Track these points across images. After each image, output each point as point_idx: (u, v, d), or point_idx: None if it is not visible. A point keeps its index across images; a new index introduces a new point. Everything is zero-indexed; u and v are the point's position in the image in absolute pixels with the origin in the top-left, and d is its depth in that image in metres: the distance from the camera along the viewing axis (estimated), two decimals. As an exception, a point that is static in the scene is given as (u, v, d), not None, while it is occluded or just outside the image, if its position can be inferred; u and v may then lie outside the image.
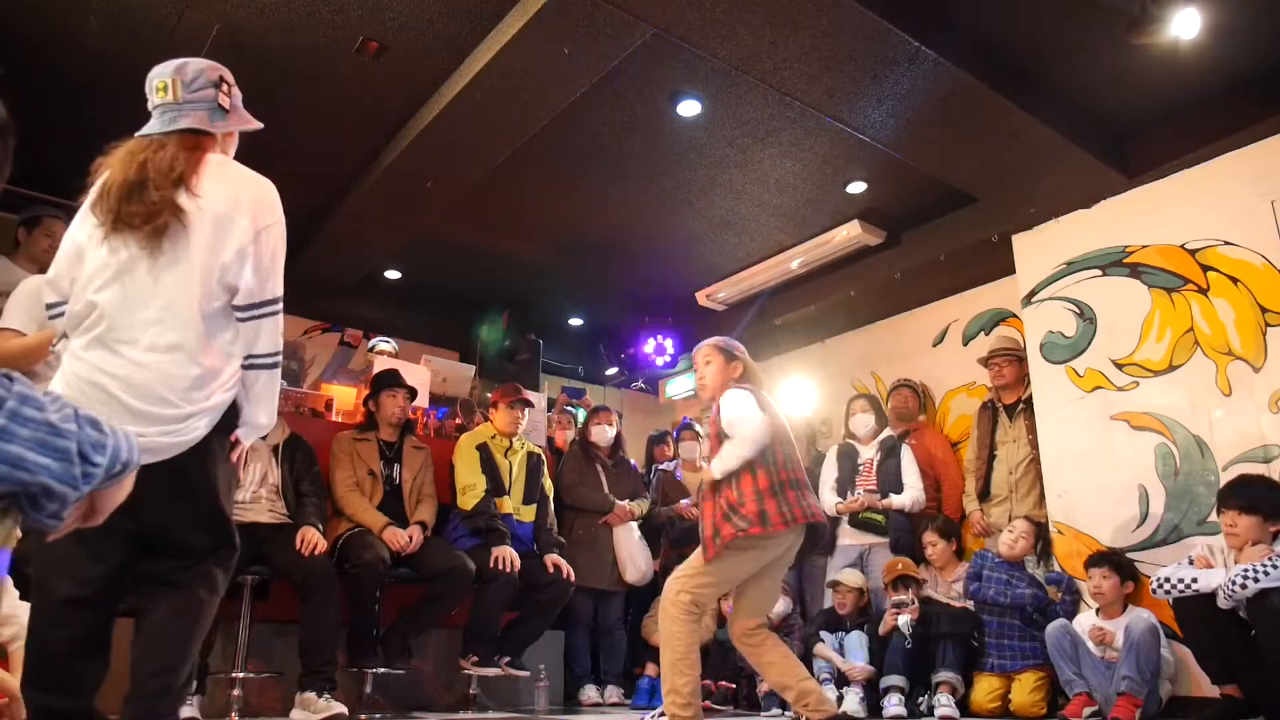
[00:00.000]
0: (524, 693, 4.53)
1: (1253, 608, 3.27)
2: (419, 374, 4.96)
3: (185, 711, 3.21)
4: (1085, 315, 4.63)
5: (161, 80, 2.06)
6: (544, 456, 4.73)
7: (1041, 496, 4.67)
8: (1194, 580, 3.43)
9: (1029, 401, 4.81)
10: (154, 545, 1.93)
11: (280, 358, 2.04)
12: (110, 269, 1.94)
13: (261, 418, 2.05)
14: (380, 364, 4.88)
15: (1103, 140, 4.48)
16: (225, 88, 2.11)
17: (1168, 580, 3.50)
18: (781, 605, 4.63)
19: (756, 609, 3.15)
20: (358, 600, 3.84)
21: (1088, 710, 3.78)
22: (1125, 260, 4.52)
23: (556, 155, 4.80)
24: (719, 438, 3.09)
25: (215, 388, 1.92)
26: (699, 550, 3.03)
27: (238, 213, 1.96)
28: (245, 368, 2.00)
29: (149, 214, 1.90)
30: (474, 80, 3.87)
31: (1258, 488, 3.52)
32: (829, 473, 5.03)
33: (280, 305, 2.01)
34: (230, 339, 1.98)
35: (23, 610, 2.31)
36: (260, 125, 2.19)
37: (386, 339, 5.70)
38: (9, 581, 2.27)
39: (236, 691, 3.65)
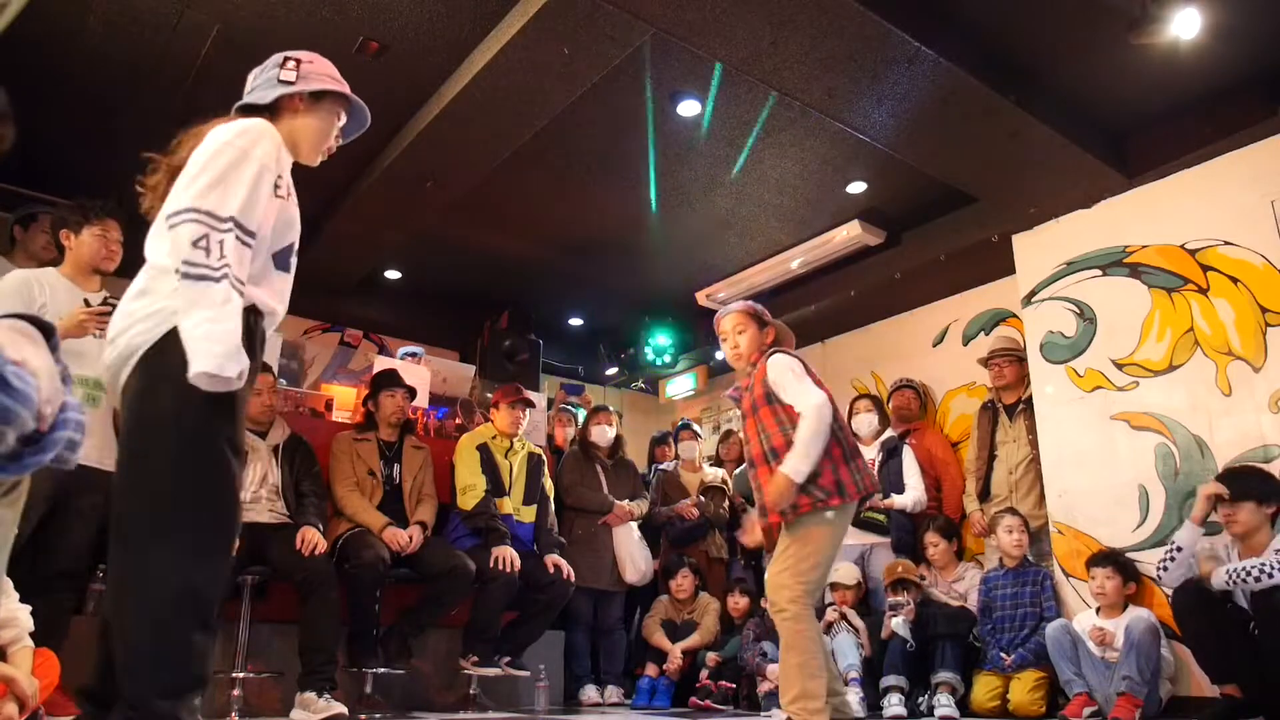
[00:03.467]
0: (524, 693, 4.52)
1: (1258, 605, 3.28)
2: (419, 374, 4.97)
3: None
4: (1085, 315, 4.63)
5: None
6: (544, 457, 4.73)
7: (1041, 496, 4.66)
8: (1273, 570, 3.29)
9: (1029, 401, 4.81)
10: None
11: (198, 269, 1.73)
12: None
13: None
14: (380, 365, 4.88)
15: (1103, 140, 4.48)
16: (291, 64, 2.04)
17: (1244, 571, 3.32)
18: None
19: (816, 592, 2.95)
20: (358, 600, 3.84)
21: (1087, 710, 3.78)
22: (1125, 260, 4.52)
23: (557, 155, 4.80)
24: (767, 401, 2.93)
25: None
26: (783, 540, 2.85)
27: (197, 148, 1.87)
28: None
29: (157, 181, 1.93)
30: (474, 80, 3.87)
31: (1245, 476, 3.61)
32: (830, 472, 5.02)
33: (193, 215, 1.76)
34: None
35: (22, 612, 2.31)
36: (340, 89, 2.09)
37: (414, 350, 5.59)
38: (9, 584, 2.27)
39: (236, 691, 3.66)
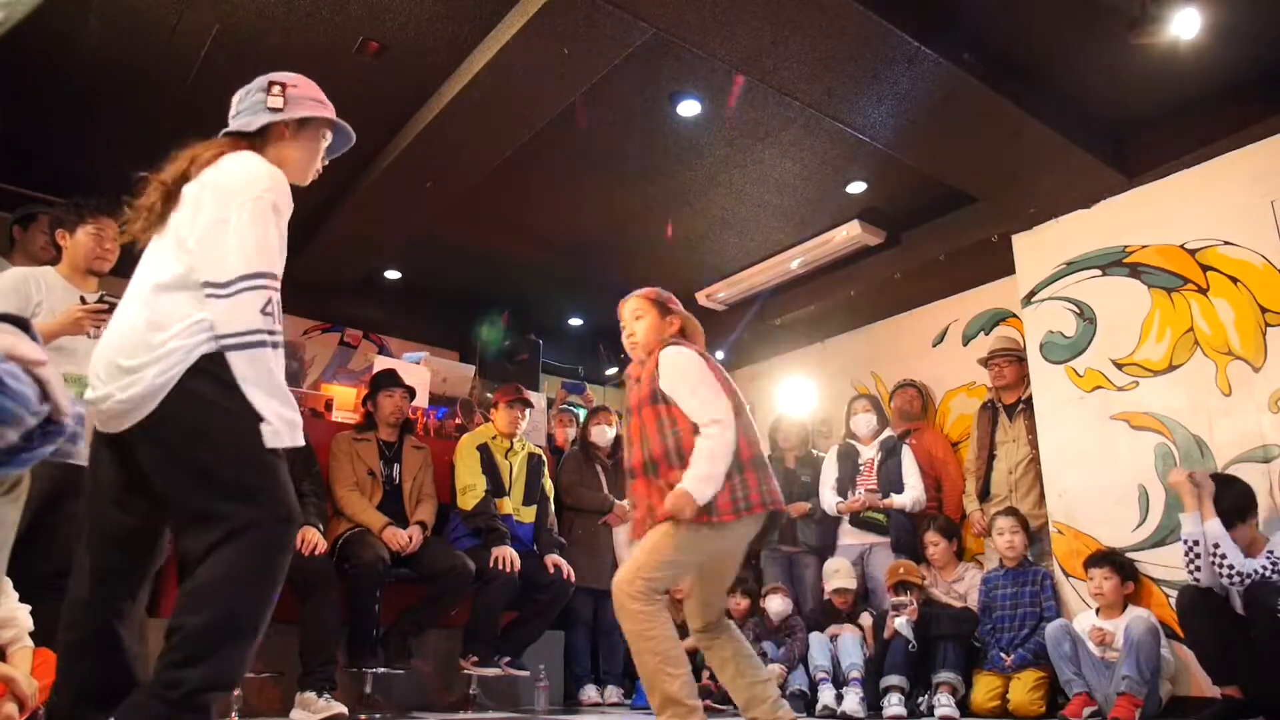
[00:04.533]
0: (524, 693, 4.51)
1: (1251, 605, 3.28)
2: (419, 374, 4.96)
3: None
4: (1085, 315, 4.63)
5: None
6: (544, 457, 4.73)
7: (1041, 496, 4.66)
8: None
9: (1029, 401, 4.81)
10: None
11: (257, 336, 1.80)
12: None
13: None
14: (380, 365, 4.88)
15: (1102, 140, 4.47)
16: (277, 89, 2.05)
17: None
18: (780, 605, 4.63)
19: (709, 608, 2.78)
20: (358, 600, 3.84)
21: (1087, 710, 3.79)
22: (1125, 260, 4.51)
23: (556, 155, 4.79)
24: (652, 400, 2.67)
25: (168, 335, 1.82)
26: (648, 537, 2.60)
27: (208, 190, 1.89)
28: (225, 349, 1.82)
29: (153, 203, 1.94)
30: (474, 80, 3.86)
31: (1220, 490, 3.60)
32: (829, 472, 5.04)
33: (256, 283, 1.82)
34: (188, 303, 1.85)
35: (21, 612, 2.30)
36: (336, 119, 2.12)
37: (418, 356, 5.54)
38: (8, 583, 2.27)
39: (236, 691, 3.62)
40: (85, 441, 1.30)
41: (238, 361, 1.77)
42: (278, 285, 1.85)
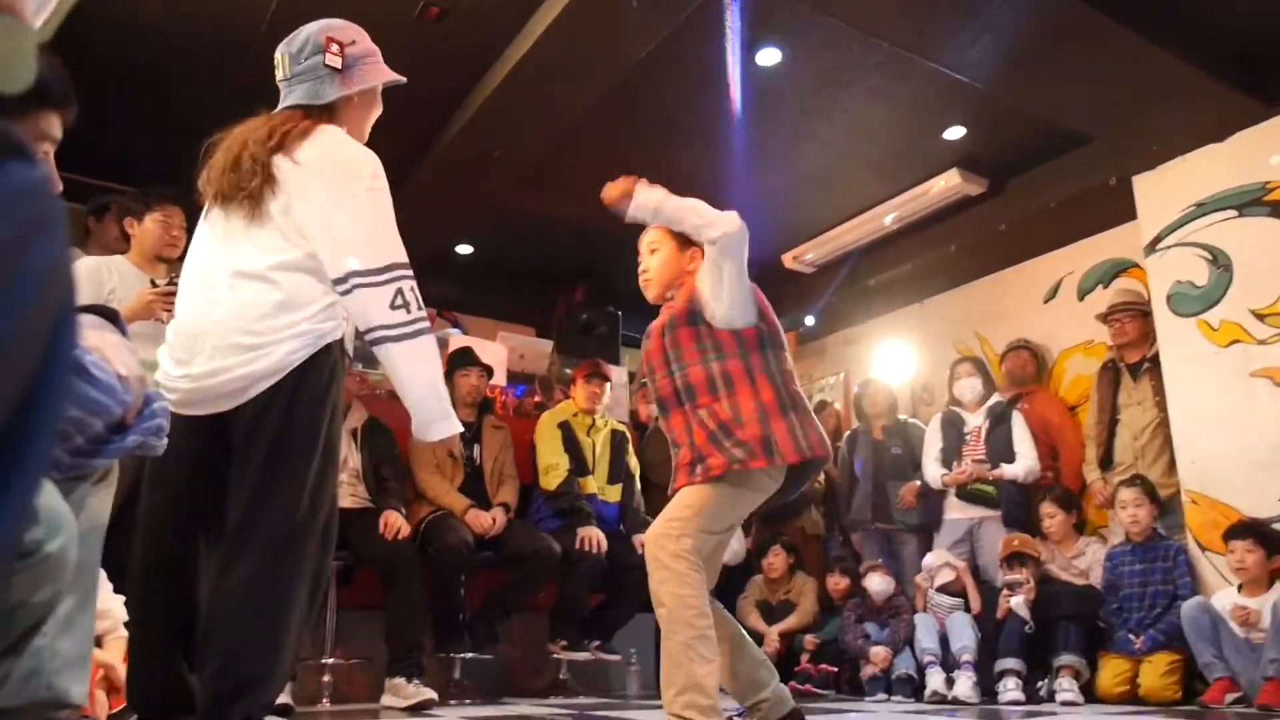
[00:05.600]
0: (616, 677, 4.51)
1: None
2: (495, 351, 4.92)
3: (279, 698, 3.21)
4: (1219, 262, 4.26)
5: (278, 56, 2.06)
6: (628, 434, 4.64)
7: (1171, 463, 4.33)
8: None
9: (1155, 359, 4.48)
10: None
11: (405, 328, 1.85)
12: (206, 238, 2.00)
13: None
14: (455, 343, 4.83)
15: (1234, 64, 4.11)
16: (335, 48, 2.00)
17: None
18: (882, 584, 4.43)
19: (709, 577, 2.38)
20: (443, 585, 3.84)
21: (1230, 696, 3.56)
22: (1265, 198, 4.13)
23: (628, 116, 4.65)
24: (689, 321, 2.37)
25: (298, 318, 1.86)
26: (684, 491, 2.28)
27: (313, 178, 1.89)
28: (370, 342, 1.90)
29: (243, 181, 1.92)
30: (538, 41, 3.74)
31: None
32: (933, 442, 4.80)
33: (400, 273, 1.87)
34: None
35: (115, 603, 2.32)
36: (396, 78, 2.11)
37: (454, 327, 5.53)
38: (103, 574, 2.27)
39: (326, 678, 3.69)
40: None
41: (402, 354, 1.85)
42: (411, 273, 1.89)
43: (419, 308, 1.85)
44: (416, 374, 1.87)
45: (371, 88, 2.07)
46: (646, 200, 2.34)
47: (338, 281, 1.84)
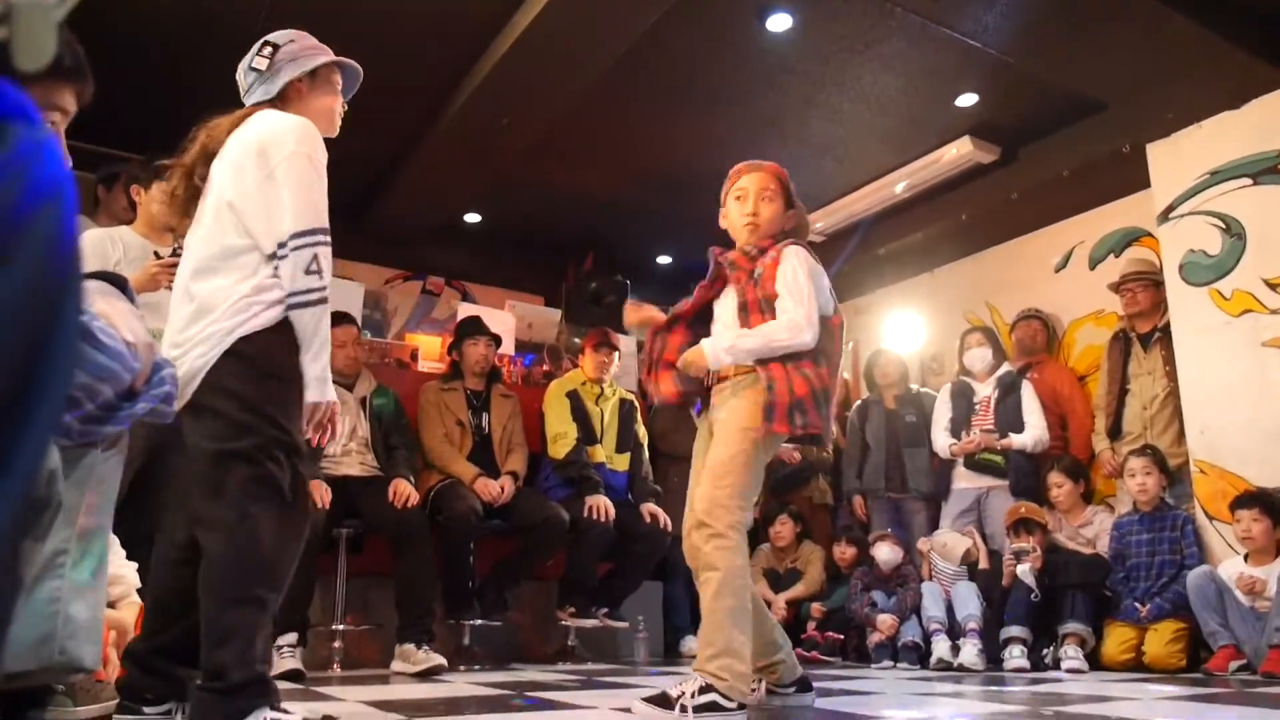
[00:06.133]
0: (623, 645, 4.52)
1: None
2: (503, 320, 4.90)
3: (289, 663, 3.25)
4: (1232, 230, 4.19)
5: (238, 76, 2.17)
6: (636, 403, 4.61)
7: (1181, 433, 4.30)
8: None
9: (1166, 329, 4.43)
10: None
11: (312, 294, 1.93)
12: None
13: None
14: (463, 312, 4.81)
15: (1252, 29, 3.99)
16: (268, 50, 2.10)
17: None
18: (890, 553, 4.43)
19: None
20: (452, 552, 3.85)
21: (1234, 664, 3.57)
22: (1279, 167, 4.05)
23: (637, 84, 4.56)
24: (760, 309, 2.39)
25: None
26: (725, 447, 2.30)
27: (245, 155, 1.96)
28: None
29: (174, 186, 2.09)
30: (547, 7, 3.66)
31: None
32: (943, 412, 4.79)
33: (311, 239, 1.93)
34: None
35: (128, 569, 2.34)
36: (340, 59, 2.18)
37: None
38: (115, 541, 2.28)
39: (337, 644, 3.72)
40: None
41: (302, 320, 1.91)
42: (327, 240, 1.95)
43: (328, 274, 1.94)
44: (313, 339, 1.93)
45: (318, 73, 2.14)
46: (730, 349, 2.37)
47: (270, 257, 1.92)
